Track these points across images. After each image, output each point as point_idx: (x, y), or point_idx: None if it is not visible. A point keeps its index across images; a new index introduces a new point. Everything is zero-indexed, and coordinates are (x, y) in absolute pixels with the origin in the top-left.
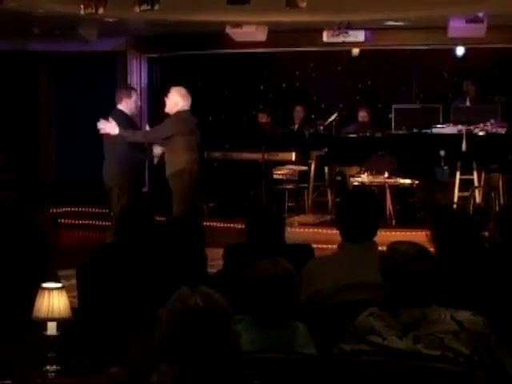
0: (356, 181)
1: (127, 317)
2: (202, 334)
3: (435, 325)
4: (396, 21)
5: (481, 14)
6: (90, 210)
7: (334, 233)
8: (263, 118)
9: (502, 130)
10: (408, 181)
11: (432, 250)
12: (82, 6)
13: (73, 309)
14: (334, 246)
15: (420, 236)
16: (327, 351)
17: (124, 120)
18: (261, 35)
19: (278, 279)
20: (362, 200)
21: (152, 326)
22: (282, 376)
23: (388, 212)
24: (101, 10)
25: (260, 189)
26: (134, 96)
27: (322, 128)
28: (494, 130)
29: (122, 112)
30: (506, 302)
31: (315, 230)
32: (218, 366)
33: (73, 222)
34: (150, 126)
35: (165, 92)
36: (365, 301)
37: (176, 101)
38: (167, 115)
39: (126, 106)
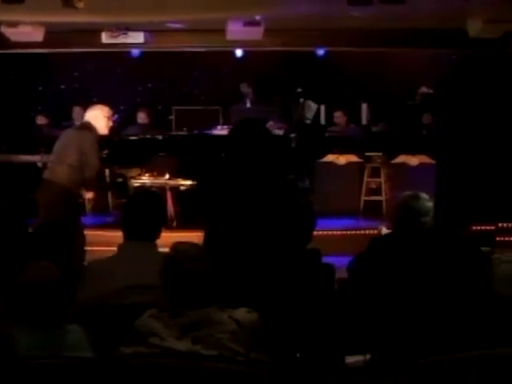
0: (137, 182)
1: None
2: None
3: (215, 325)
4: (176, 23)
5: (258, 18)
6: None
7: (114, 235)
8: (42, 120)
9: (280, 132)
10: (189, 182)
11: None
12: None
13: None
14: (115, 248)
15: (201, 237)
16: (108, 354)
17: None
18: (38, 35)
19: (38, 284)
20: (146, 200)
21: None
22: (57, 381)
23: (169, 213)
24: None
25: None
26: None
27: None
28: (273, 132)
29: None
30: None
31: (95, 232)
32: None
33: None
34: None
35: None
36: (146, 302)
37: None
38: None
39: None
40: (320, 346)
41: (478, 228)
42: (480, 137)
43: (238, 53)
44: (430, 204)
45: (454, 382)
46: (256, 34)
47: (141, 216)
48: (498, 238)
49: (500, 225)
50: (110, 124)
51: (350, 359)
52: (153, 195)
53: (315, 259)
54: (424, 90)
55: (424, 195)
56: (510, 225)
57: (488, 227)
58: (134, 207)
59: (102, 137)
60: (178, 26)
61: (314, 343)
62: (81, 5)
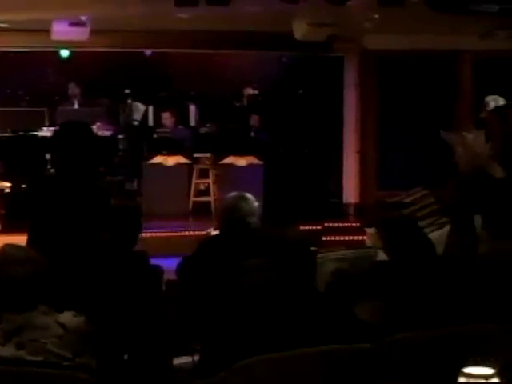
0: None
1: None
2: None
3: (39, 330)
4: None
5: (84, 18)
6: None
7: None
8: None
9: (108, 133)
10: (14, 184)
11: None
12: None
13: None
14: None
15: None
16: None
17: None
18: None
19: None
20: None
21: None
22: None
23: None
24: None
25: None
26: None
27: None
28: (101, 133)
29: None
30: None
31: None
32: None
33: None
34: None
35: None
36: None
37: None
38: None
39: None
40: (147, 347)
41: (305, 228)
42: (305, 138)
43: (64, 53)
44: (256, 204)
45: (277, 382)
46: (82, 34)
47: None
48: (323, 238)
49: (326, 224)
50: None
51: (177, 360)
52: None
53: (142, 261)
54: (250, 91)
55: (250, 196)
56: (335, 224)
57: (315, 227)
58: None
59: None
60: (1, 25)
61: (141, 345)
62: None
